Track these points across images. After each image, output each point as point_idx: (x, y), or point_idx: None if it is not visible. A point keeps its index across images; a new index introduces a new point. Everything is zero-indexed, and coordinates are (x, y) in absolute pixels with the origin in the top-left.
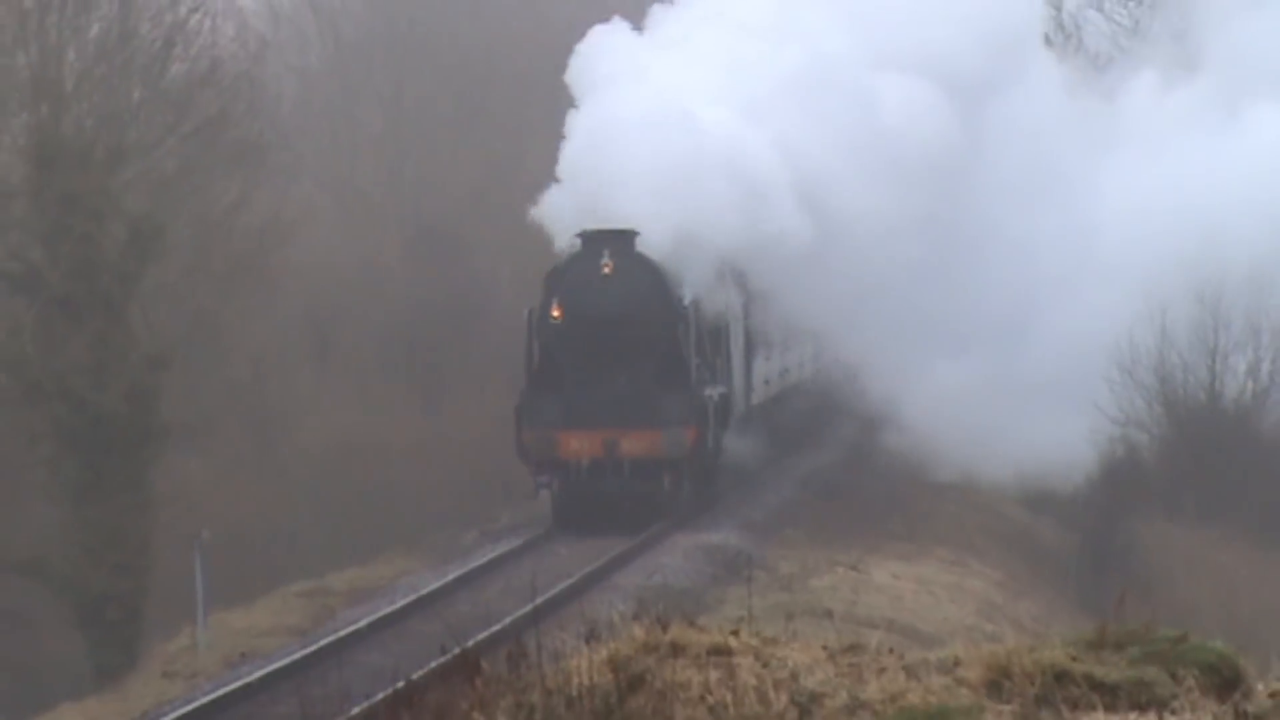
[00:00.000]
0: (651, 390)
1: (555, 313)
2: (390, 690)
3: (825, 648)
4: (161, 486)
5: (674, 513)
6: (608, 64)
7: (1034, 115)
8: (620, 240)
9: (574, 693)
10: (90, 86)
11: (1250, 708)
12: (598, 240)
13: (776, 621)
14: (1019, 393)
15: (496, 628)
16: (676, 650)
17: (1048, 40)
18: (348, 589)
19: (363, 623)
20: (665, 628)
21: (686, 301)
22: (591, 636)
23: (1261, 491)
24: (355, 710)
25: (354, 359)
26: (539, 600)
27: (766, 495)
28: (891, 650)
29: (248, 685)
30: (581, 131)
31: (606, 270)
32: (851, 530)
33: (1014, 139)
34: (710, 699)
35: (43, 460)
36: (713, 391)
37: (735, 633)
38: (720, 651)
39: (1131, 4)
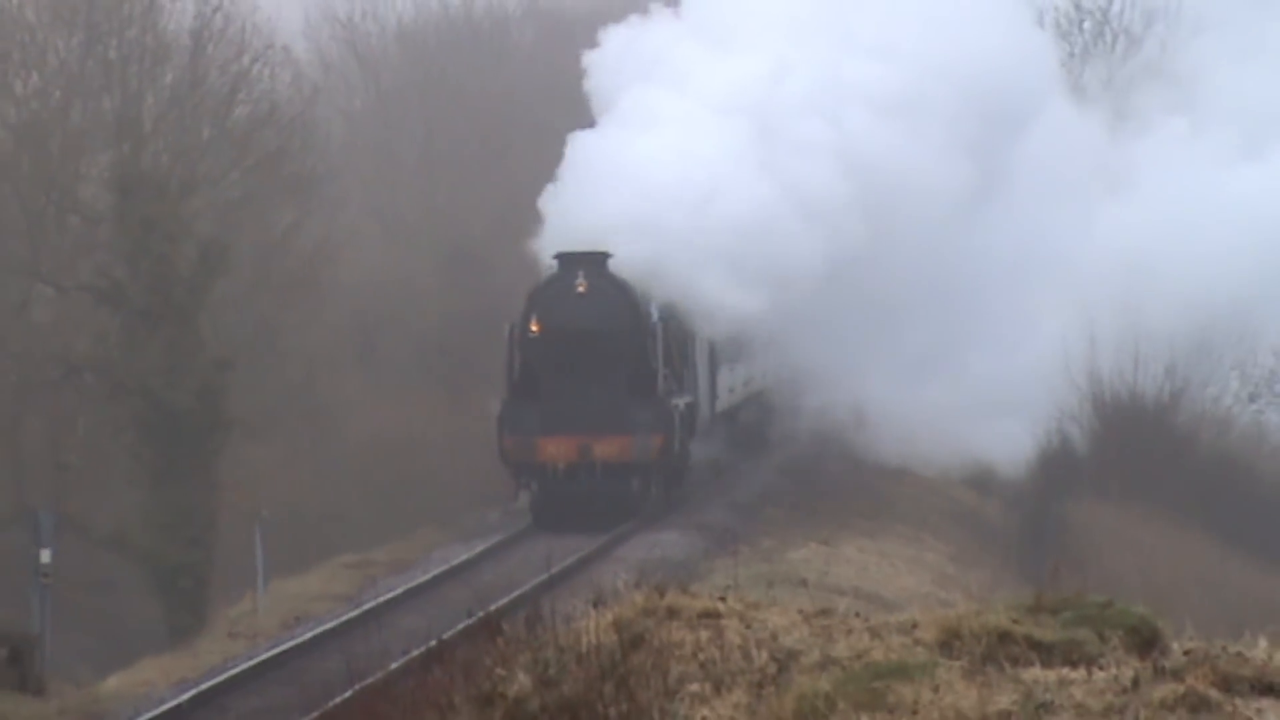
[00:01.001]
0: (622, 399)
1: (534, 327)
2: (424, 648)
3: (800, 612)
4: (227, 472)
5: (643, 512)
6: (630, 70)
7: (1041, 150)
8: (594, 261)
9: (583, 650)
10: (166, 126)
11: (1167, 664)
12: (573, 261)
13: (758, 589)
14: (972, 393)
15: (516, 594)
16: (672, 614)
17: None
18: (388, 561)
19: (401, 590)
20: (662, 594)
21: (655, 317)
22: (598, 602)
23: (1177, 477)
24: (394, 665)
25: (394, 362)
26: (553, 570)
27: (749, 482)
28: (858, 614)
29: (301, 644)
30: (575, 165)
31: (581, 289)
32: (824, 511)
33: (1021, 173)
34: (701, 656)
35: (125, 449)
36: (680, 400)
37: (723, 599)
38: (710, 615)
39: (1064, 57)
